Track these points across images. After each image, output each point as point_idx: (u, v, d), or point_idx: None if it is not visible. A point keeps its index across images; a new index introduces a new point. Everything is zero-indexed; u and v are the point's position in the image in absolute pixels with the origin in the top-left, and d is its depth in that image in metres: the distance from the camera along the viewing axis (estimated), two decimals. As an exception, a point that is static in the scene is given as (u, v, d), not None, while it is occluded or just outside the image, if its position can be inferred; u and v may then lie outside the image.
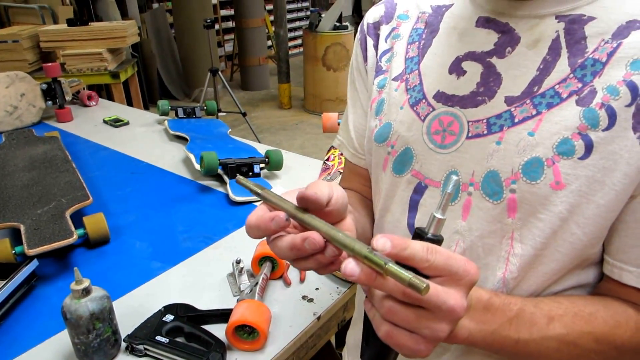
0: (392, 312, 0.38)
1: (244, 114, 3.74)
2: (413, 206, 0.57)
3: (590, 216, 0.47)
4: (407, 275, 0.34)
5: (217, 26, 5.96)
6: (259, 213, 0.43)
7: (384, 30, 0.64)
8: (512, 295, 0.48)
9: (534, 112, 0.47)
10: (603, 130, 0.44)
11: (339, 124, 1.59)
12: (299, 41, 7.29)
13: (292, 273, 0.98)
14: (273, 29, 6.52)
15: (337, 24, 4.60)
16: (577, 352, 0.47)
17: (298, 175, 1.44)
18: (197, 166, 1.39)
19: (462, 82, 0.53)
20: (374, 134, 0.62)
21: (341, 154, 1.36)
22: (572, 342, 0.46)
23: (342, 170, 1.36)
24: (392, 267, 0.34)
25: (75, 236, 0.97)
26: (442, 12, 0.59)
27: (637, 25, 0.45)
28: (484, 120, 0.50)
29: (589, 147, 0.45)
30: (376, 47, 0.64)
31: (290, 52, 5.59)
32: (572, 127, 0.45)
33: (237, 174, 0.48)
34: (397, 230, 0.59)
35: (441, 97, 0.54)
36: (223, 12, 6.26)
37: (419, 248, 0.37)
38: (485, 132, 0.50)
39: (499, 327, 0.44)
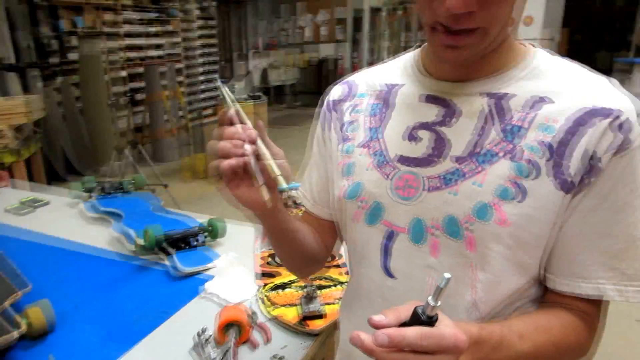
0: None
1: (166, 186, 3.67)
2: (386, 251, 0.67)
3: (531, 244, 0.59)
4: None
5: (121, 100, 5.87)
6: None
7: (346, 105, 0.76)
8: (491, 324, 0.57)
9: (479, 168, 0.59)
10: (532, 179, 0.57)
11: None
12: (210, 110, 7.39)
13: (258, 335, 0.99)
14: (184, 100, 6.58)
15: (251, 94, 4.77)
16: (542, 356, 0.58)
17: (239, 242, 1.46)
18: (139, 241, 1.37)
19: (418, 146, 0.65)
20: (344, 192, 0.71)
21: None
22: (537, 351, 0.57)
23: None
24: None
25: (23, 327, 0.91)
26: (394, 91, 0.71)
27: (545, 100, 0.59)
28: (439, 177, 0.62)
29: (524, 192, 0.57)
30: (340, 119, 0.75)
31: (203, 122, 5.63)
32: (508, 177, 0.58)
33: (219, 80, 0.57)
34: (374, 273, 0.69)
35: (402, 159, 0.65)
36: (132, 84, 6.21)
37: (413, 337, 0.46)
38: (441, 185, 0.61)
39: (486, 354, 0.53)
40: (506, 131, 0.59)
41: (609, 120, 0.55)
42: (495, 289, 0.61)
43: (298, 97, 10.14)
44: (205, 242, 1.40)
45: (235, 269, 1.19)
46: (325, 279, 1.15)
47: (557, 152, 0.57)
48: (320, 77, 9.90)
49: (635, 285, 0.58)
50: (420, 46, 0.72)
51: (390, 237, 0.66)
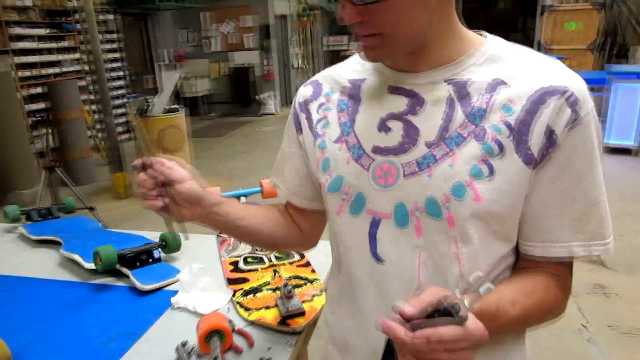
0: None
1: (92, 209, 3.45)
2: (372, 238, 0.70)
3: (505, 216, 0.65)
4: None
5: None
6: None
7: (314, 105, 0.79)
8: (488, 297, 0.61)
9: (448, 151, 0.65)
10: (498, 157, 0.63)
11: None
12: (121, 128, 7.04)
13: (239, 340, 0.99)
14: (91, 119, 6.21)
15: (169, 107, 4.63)
16: (529, 318, 0.65)
17: (196, 254, 1.43)
18: (88, 265, 1.29)
19: (390, 136, 0.69)
20: (326, 187, 0.74)
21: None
22: (526, 313, 0.64)
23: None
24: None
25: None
26: (359, 85, 0.75)
27: (501, 83, 0.65)
28: (414, 162, 0.66)
29: (491, 170, 0.63)
30: (309, 118, 0.79)
31: (119, 140, 5.34)
32: (477, 157, 0.63)
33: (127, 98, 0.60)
34: (363, 261, 0.72)
35: (377, 150, 0.70)
36: (33, 106, 5.75)
37: (449, 337, 0.51)
38: (417, 170, 0.66)
39: (487, 323, 0.57)
40: (470, 114, 0.64)
41: (562, 97, 0.61)
42: (478, 260, 0.66)
43: (213, 107, 9.96)
44: (161, 258, 1.35)
45: (201, 279, 1.17)
46: (297, 278, 1.16)
47: (519, 130, 0.62)
48: (234, 87, 9.81)
49: (597, 243, 0.65)
50: None
51: (375, 224, 0.69)
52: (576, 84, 0.63)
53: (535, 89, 0.63)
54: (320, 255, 1.31)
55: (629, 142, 5.26)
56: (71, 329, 1.09)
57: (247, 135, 7.98)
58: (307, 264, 1.25)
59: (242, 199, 1.65)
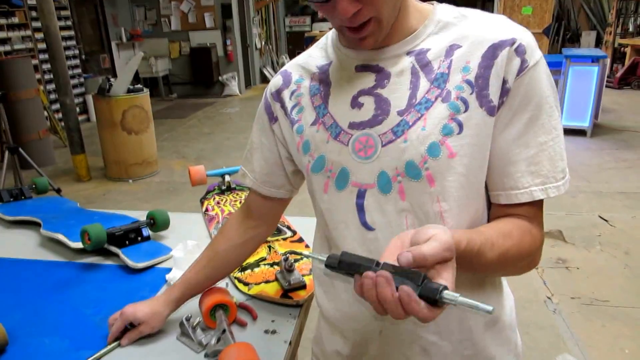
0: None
1: (59, 191, 3.31)
2: (360, 208, 0.73)
3: (477, 168, 0.69)
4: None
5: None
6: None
7: (286, 93, 0.82)
8: (472, 235, 0.64)
9: (419, 116, 0.68)
10: (464, 112, 0.67)
11: (207, 176, 1.63)
12: (79, 109, 6.75)
13: (242, 314, 1.00)
14: (47, 99, 5.93)
15: (131, 87, 4.47)
16: (507, 260, 0.67)
17: (185, 232, 1.42)
18: (75, 244, 1.26)
19: (363, 111, 0.72)
20: (309, 168, 0.77)
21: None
22: (504, 255, 0.66)
23: (228, 217, 1.41)
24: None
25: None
26: (326, 69, 0.78)
27: (456, 47, 0.69)
28: (389, 131, 0.70)
29: (460, 126, 0.67)
30: (283, 107, 0.82)
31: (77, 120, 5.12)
32: (445, 116, 0.67)
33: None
34: (354, 232, 0.74)
35: (353, 125, 0.72)
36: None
37: (431, 252, 0.53)
38: (394, 138, 0.69)
39: (468, 263, 0.62)
40: (434, 80, 0.69)
41: (510, 48, 0.66)
42: (459, 216, 0.70)
43: (174, 88, 9.69)
44: (150, 237, 1.33)
45: (197, 256, 1.16)
46: (293, 253, 1.18)
47: (478, 85, 0.67)
48: (195, 67, 9.56)
49: (551, 186, 0.68)
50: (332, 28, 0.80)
51: (361, 195, 0.72)
52: (522, 34, 0.67)
53: (486, 46, 0.67)
54: (312, 231, 1.32)
55: (583, 124, 5.51)
56: (64, 308, 1.07)
57: (211, 116, 7.83)
58: (300, 240, 1.27)
59: (227, 177, 1.63)
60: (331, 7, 0.64)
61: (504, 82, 0.66)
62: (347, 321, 0.81)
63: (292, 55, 12.75)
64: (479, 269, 0.66)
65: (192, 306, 0.99)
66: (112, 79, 4.58)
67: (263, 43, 11.24)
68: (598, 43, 11.40)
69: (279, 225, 1.34)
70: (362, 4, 0.63)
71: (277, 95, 0.82)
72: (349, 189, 0.73)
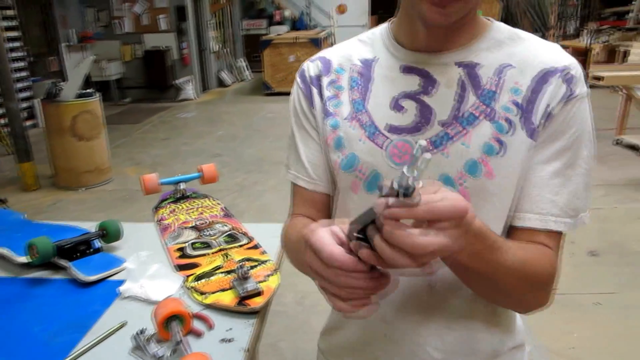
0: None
1: (4, 201, 3.16)
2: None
3: (511, 189, 0.69)
4: None
5: None
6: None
7: (325, 80, 0.78)
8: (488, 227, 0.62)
9: (463, 130, 0.68)
10: (508, 134, 0.67)
11: (160, 184, 1.60)
12: (25, 114, 6.47)
13: (198, 324, 0.99)
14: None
15: (82, 91, 4.33)
16: (524, 270, 0.64)
17: (138, 242, 1.39)
18: (21, 259, 1.21)
19: (404, 115, 0.71)
20: (339, 165, 0.74)
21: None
22: (521, 262, 0.63)
23: (185, 226, 1.40)
24: None
25: None
26: (370, 65, 0.76)
27: (507, 66, 0.69)
28: (429, 140, 0.69)
29: (504, 147, 0.67)
30: (320, 94, 0.78)
31: (24, 126, 4.91)
32: (489, 135, 0.67)
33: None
34: None
35: (392, 128, 0.71)
36: None
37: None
38: (433, 149, 0.68)
39: (482, 249, 0.57)
40: (482, 96, 0.68)
41: (560, 75, 0.67)
42: None
43: (127, 92, 9.43)
44: (102, 248, 1.30)
45: (150, 267, 1.15)
46: (249, 260, 1.18)
47: (526, 108, 0.67)
48: (149, 71, 9.35)
49: (564, 218, 0.67)
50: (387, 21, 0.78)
51: None
52: (574, 64, 0.68)
53: (539, 70, 0.68)
54: (268, 237, 1.33)
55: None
56: (10, 325, 1.03)
57: (166, 121, 7.67)
58: (256, 247, 1.27)
59: (182, 185, 1.61)
60: None
61: (548, 106, 0.66)
62: (353, 319, 0.79)
63: (248, 58, 12.68)
64: (489, 268, 0.60)
65: (145, 318, 0.97)
66: (61, 83, 4.43)
67: (219, 46, 11.12)
68: (543, 46, 11.88)
69: (234, 232, 1.34)
70: None
71: (317, 80, 0.78)
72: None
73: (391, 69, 0.74)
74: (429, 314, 0.75)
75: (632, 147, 5.12)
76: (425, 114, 0.70)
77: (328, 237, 0.52)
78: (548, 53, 0.69)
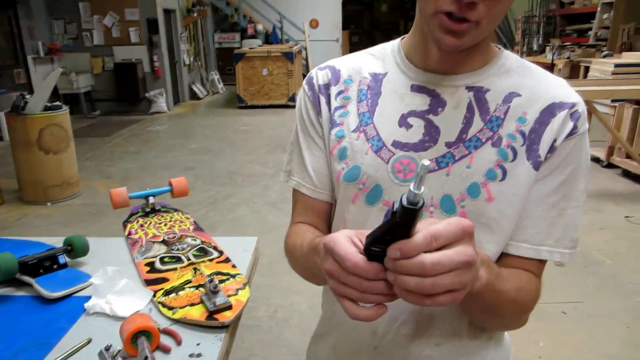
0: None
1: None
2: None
3: (510, 216, 0.70)
4: None
5: None
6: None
7: (334, 90, 0.78)
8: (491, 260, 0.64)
9: (467, 152, 0.69)
10: (511, 162, 0.69)
11: (129, 198, 1.58)
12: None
13: (166, 339, 0.98)
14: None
15: (49, 104, 4.24)
16: (520, 296, 0.67)
17: (106, 257, 1.37)
18: (-18, 276, 1.18)
19: (411, 133, 0.72)
20: (342, 175, 0.75)
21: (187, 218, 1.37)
22: (519, 289, 0.67)
23: (154, 240, 1.39)
24: None
25: None
26: (380, 79, 0.77)
27: (515, 95, 0.71)
28: (433, 160, 0.70)
29: (505, 173, 0.69)
30: (328, 103, 0.78)
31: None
32: (492, 161, 0.69)
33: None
34: None
35: (397, 144, 0.72)
36: None
37: (422, 244, 0.48)
38: (436, 168, 0.70)
39: (493, 279, 0.59)
40: (489, 122, 0.70)
41: (567, 111, 0.68)
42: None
43: (97, 105, 9.27)
44: (67, 264, 1.28)
45: (118, 282, 1.13)
46: (219, 274, 1.17)
47: (530, 138, 0.69)
48: (120, 83, 9.22)
49: (559, 249, 0.70)
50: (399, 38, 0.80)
51: (389, 216, 0.71)
52: (580, 102, 0.70)
53: (547, 102, 0.69)
54: (239, 251, 1.33)
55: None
56: (-30, 345, 0.99)
57: (137, 134, 7.57)
58: (227, 260, 1.27)
59: (151, 198, 1.60)
60: None
61: (554, 140, 0.68)
62: (343, 328, 0.79)
63: (221, 71, 12.67)
64: (494, 297, 0.61)
65: (111, 334, 0.96)
66: (27, 96, 4.33)
67: (192, 59, 11.07)
68: (510, 61, 12.33)
69: (204, 246, 1.33)
70: (483, 1, 0.59)
71: (325, 89, 0.79)
72: (379, 206, 0.72)
73: (401, 85, 0.75)
74: (420, 329, 0.76)
75: (595, 160, 5.31)
76: (431, 133, 0.71)
77: (350, 245, 0.53)
78: (556, 87, 0.71)
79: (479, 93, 0.71)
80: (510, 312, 0.69)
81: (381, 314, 0.53)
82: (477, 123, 0.70)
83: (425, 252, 0.48)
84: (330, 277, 0.54)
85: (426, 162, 0.45)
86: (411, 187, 0.46)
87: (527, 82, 0.72)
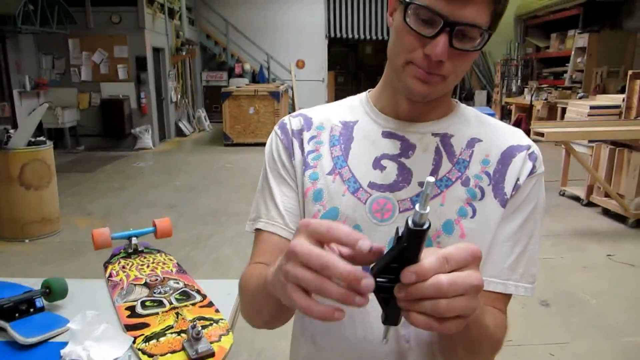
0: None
1: None
2: (365, 270, 0.72)
3: (483, 252, 0.70)
4: None
5: None
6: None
7: (306, 135, 0.81)
8: None
9: (439, 191, 0.74)
10: (479, 200, 0.73)
11: (112, 239, 1.55)
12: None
13: (145, 390, 0.95)
14: None
15: (33, 139, 4.20)
16: (495, 332, 0.68)
17: (85, 301, 1.33)
18: (-46, 320, 1.13)
19: (385, 174, 0.75)
20: (319, 217, 0.76)
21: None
22: (495, 325, 0.67)
23: (136, 282, 1.36)
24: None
25: None
26: (351, 126, 0.81)
27: (477, 140, 0.77)
28: (408, 199, 0.74)
29: (474, 211, 0.73)
30: (301, 147, 0.80)
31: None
32: (463, 199, 0.73)
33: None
34: None
35: (373, 185, 0.75)
36: None
37: (436, 265, 0.47)
38: (412, 207, 0.73)
39: (479, 311, 0.58)
40: (455, 163, 0.75)
41: (525, 152, 0.75)
42: None
43: (82, 140, 9.22)
44: (45, 307, 1.24)
45: (96, 328, 1.10)
46: (202, 319, 1.15)
47: (495, 178, 0.75)
48: (106, 119, 9.22)
49: (523, 283, 0.74)
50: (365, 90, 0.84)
51: None
52: (534, 146, 0.77)
53: (506, 145, 0.76)
54: (223, 295, 1.31)
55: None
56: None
57: (121, 170, 7.51)
58: (210, 304, 1.24)
59: (134, 239, 1.57)
60: (425, 41, 0.65)
61: (517, 179, 0.74)
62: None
63: (208, 109, 12.76)
64: (477, 332, 0.62)
65: (89, 384, 0.92)
66: (11, 130, 4.29)
67: (179, 96, 11.16)
68: (489, 101, 12.75)
69: (187, 289, 1.31)
70: (450, 60, 0.65)
71: (298, 134, 0.81)
72: None
73: (371, 132, 0.79)
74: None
75: (575, 198, 5.40)
76: (405, 174, 0.75)
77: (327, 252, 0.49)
78: (511, 134, 0.78)
79: (445, 138, 0.77)
80: (487, 348, 0.69)
81: (338, 318, 0.47)
82: (446, 164, 0.75)
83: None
84: (292, 256, 0.48)
85: (431, 179, 0.45)
86: (417, 207, 0.45)
87: (484, 130, 0.79)
